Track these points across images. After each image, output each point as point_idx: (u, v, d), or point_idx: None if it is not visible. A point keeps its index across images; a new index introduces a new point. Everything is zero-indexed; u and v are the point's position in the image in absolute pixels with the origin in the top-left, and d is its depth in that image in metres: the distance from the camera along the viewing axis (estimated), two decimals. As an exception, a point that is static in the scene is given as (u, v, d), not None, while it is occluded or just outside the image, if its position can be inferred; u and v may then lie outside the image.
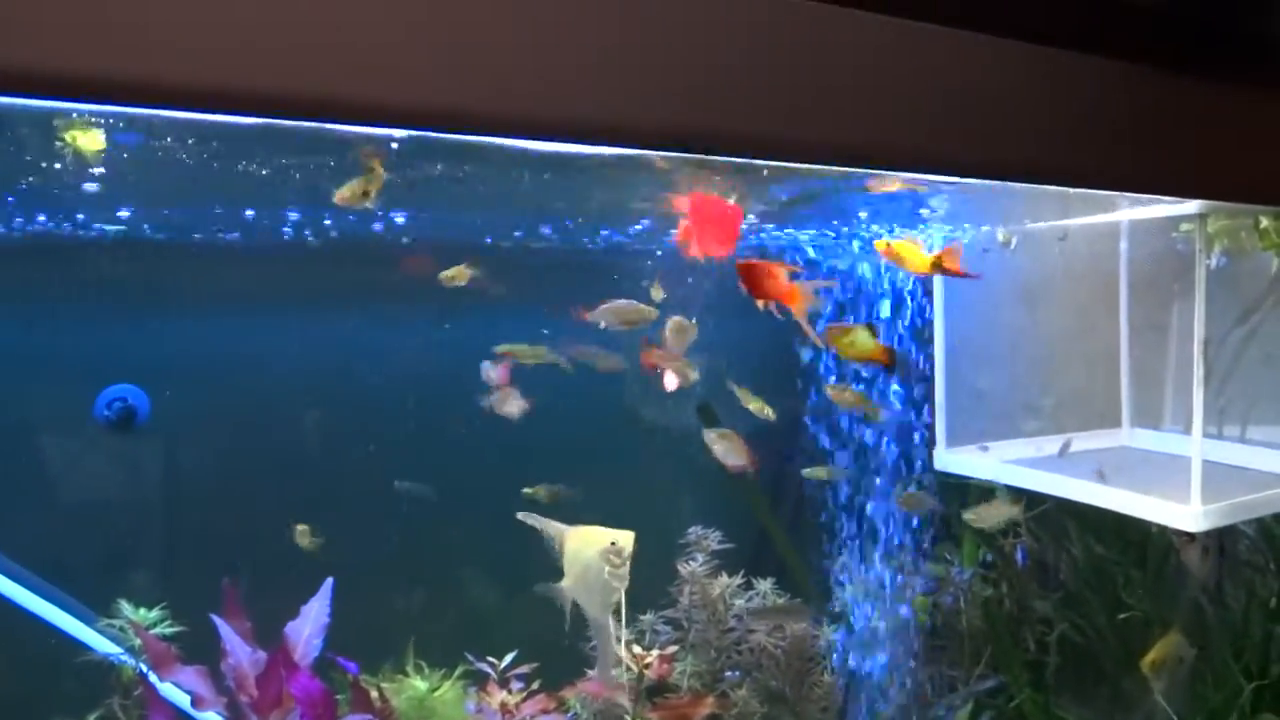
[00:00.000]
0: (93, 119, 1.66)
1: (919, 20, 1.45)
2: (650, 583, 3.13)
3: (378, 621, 3.04)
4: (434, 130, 1.13)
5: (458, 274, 2.76)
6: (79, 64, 0.92)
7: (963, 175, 1.71)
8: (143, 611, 2.67)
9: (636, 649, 2.81)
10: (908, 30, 1.44)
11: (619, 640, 2.38)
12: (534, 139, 1.20)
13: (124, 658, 2.61)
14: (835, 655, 3.29)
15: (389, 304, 2.86)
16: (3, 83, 0.90)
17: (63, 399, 2.78)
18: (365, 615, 2.76)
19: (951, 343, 3.07)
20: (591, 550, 2.12)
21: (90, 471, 2.88)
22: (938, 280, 3.10)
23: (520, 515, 2.18)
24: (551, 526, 2.18)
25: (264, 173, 2.27)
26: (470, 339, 3.10)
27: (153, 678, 2.48)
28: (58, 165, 2.05)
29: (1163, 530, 2.95)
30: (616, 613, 2.20)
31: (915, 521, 3.48)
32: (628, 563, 2.10)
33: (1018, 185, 1.93)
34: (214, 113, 1.01)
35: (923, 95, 1.49)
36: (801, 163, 1.42)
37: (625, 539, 2.11)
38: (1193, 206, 2.34)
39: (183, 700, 2.55)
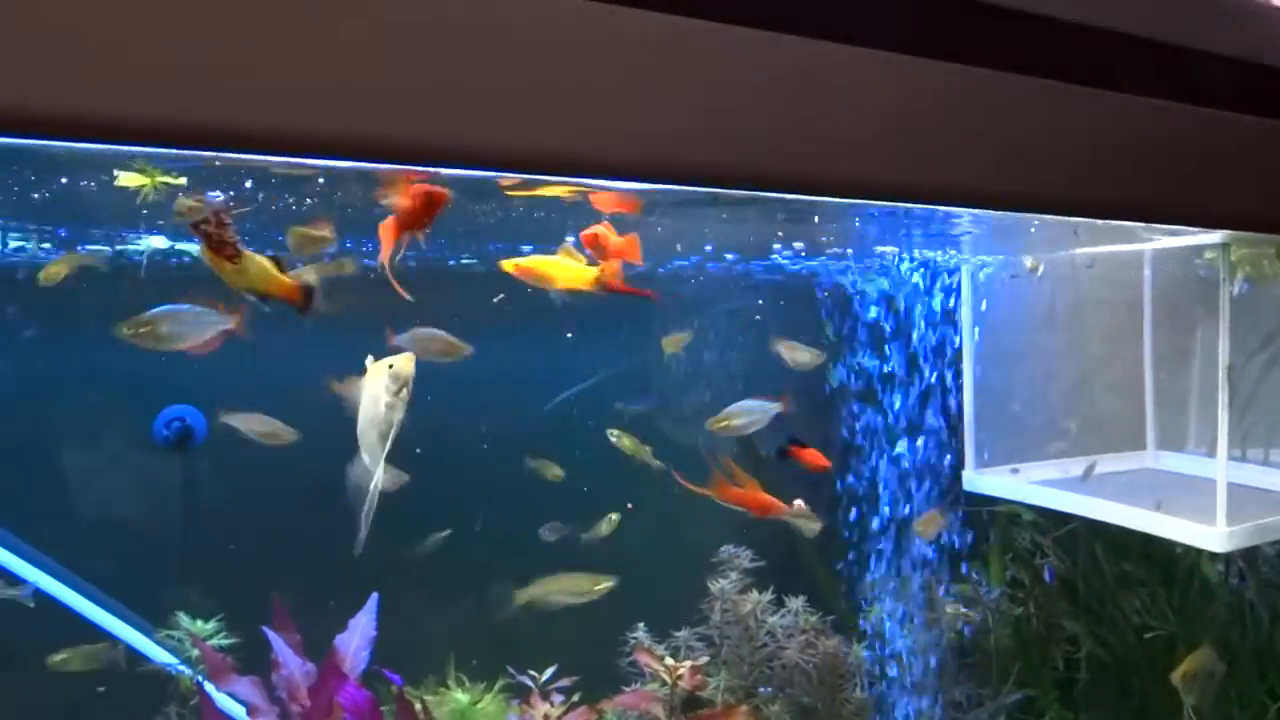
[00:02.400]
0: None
1: (943, 60, 1.53)
2: (683, 600, 3.20)
3: (420, 635, 3.11)
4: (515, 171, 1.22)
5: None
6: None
7: (994, 208, 1.79)
8: (199, 623, 2.76)
9: (669, 661, 2.87)
10: (934, 71, 1.52)
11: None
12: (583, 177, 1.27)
13: (181, 668, 2.70)
14: (865, 672, 3.34)
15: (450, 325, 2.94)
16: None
17: (124, 419, 2.89)
18: (408, 629, 2.84)
19: (980, 366, 3.14)
20: (374, 383, 1.98)
21: (149, 489, 2.98)
22: (965, 305, 3.17)
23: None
24: (351, 384, 2.05)
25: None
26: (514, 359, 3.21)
27: (209, 687, 2.57)
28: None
29: (1188, 550, 3.00)
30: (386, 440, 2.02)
31: (943, 540, 3.54)
32: (406, 387, 1.96)
33: (1045, 215, 2.01)
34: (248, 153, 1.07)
35: (952, 133, 1.57)
36: (852, 198, 1.51)
37: (403, 361, 1.97)
38: (1216, 235, 2.41)
39: (238, 710, 2.64)
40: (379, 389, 1.98)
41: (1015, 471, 3.11)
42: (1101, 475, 3.04)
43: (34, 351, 2.83)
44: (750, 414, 2.91)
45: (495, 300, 3.06)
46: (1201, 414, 3.09)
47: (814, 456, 2.95)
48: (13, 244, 2.83)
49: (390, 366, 1.96)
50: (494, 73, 1.13)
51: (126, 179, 1.96)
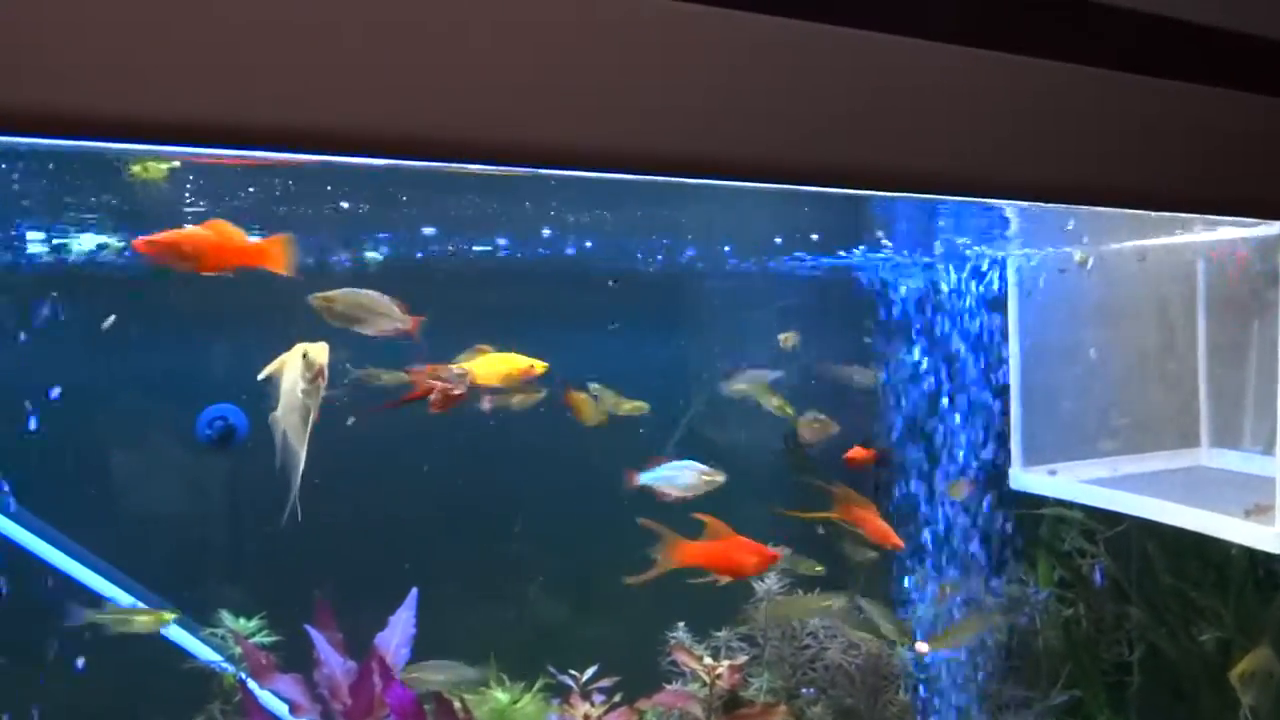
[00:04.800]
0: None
1: (993, 50, 1.50)
2: (726, 600, 3.17)
3: (459, 634, 3.12)
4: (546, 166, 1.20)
5: None
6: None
7: (1039, 200, 1.75)
8: (242, 621, 2.78)
9: (707, 660, 2.85)
10: (985, 60, 1.48)
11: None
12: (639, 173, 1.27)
13: (225, 665, 2.73)
14: (910, 674, 3.29)
15: (484, 324, 2.95)
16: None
17: (167, 418, 2.93)
18: (446, 628, 2.84)
19: (1027, 363, 3.08)
20: (290, 368, 1.95)
21: (192, 488, 3.01)
22: (1012, 300, 3.12)
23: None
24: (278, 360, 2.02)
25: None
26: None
27: (252, 685, 2.59)
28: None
29: (1244, 550, 2.92)
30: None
31: (991, 539, 3.48)
32: (319, 376, 1.93)
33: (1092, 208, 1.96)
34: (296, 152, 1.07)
35: (995, 123, 1.53)
36: (905, 192, 1.48)
37: (317, 349, 1.94)
38: (1275, 228, 2.34)
39: (280, 708, 2.66)
40: (295, 376, 1.96)
41: (1053, 473, 3.05)
42: (1154, 473, 2.98)
43: (77, 351, 2.88)
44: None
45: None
46: (1258, 410, 3.01)
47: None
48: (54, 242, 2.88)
49: (305, 355, 1.94)
50: (580, 73, 1.13)
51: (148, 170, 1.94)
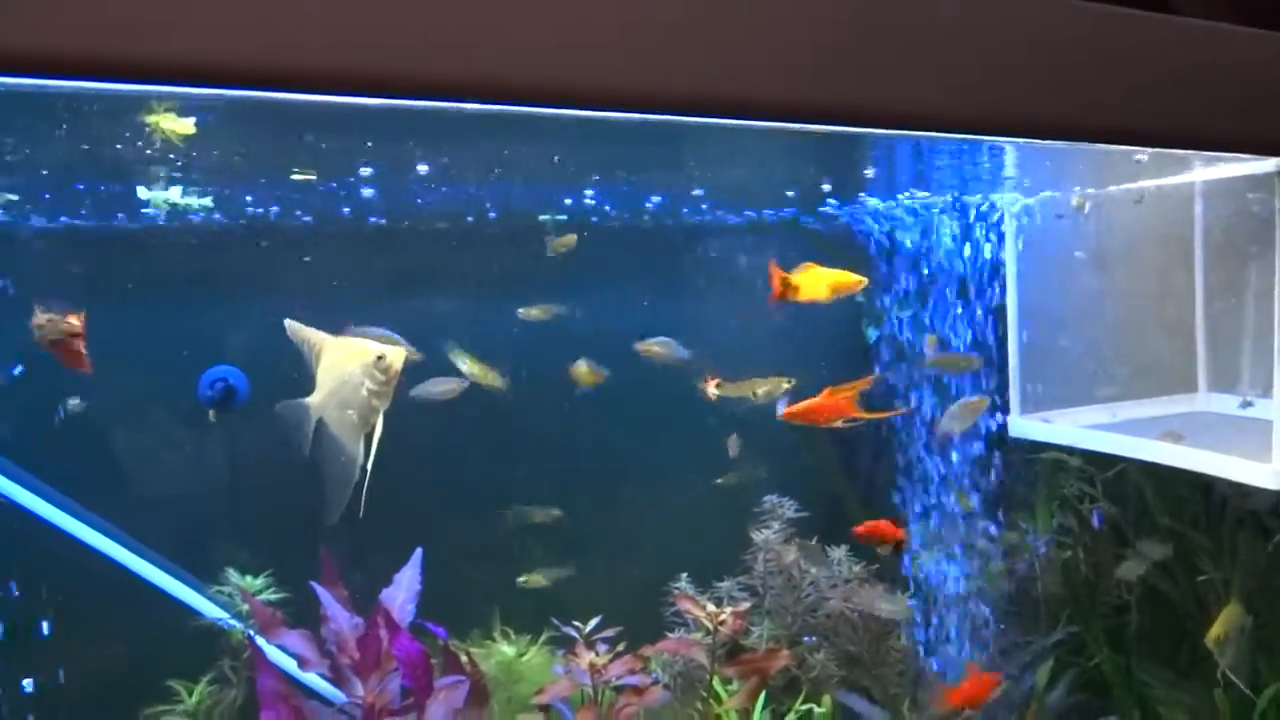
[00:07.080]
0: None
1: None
2: (726, 551, 3.19)
3: (464, 591, 3.14)
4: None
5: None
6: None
7: (1045, 138, 1.74)
8: (249, 579, 2.79)
9: (710, 607, 2.86)
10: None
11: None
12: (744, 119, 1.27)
13: (233, 622, 2.74)
14: (910, 621, 3.32)
15: (490, 287, 2.95)
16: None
17: (170, 381, 2.92)
18: (451, 586, 2.86)
19: (1025, 310, 3.08)
20: (353, 364, 1.89)
21: (196, 449, 3.01)
22: (1009, 247, 3.11)
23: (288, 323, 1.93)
24: (312, 335, 1.95)
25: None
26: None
27: (260, 641, 2.61)
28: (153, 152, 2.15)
29: (1240, 492, 2.94)
30: (369, 438, 1.92)
31: (990, 486, 3.50)
32: (394, 380, 1.88)
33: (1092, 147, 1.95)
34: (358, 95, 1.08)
35: (1001, 61, 1.52)
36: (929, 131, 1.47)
37: (395, 354, 1.88)
38: (1270, 165, 2.33)
39: (288, 663, 2.68)
40: (359, 373, 1.89)
41: (1048, 422, 3.06)
42: (1153, 418, 2.99)
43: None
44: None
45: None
46: (1256, 353, 3.01)
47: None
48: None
49: (380, 358, 1.88)
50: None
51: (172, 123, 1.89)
